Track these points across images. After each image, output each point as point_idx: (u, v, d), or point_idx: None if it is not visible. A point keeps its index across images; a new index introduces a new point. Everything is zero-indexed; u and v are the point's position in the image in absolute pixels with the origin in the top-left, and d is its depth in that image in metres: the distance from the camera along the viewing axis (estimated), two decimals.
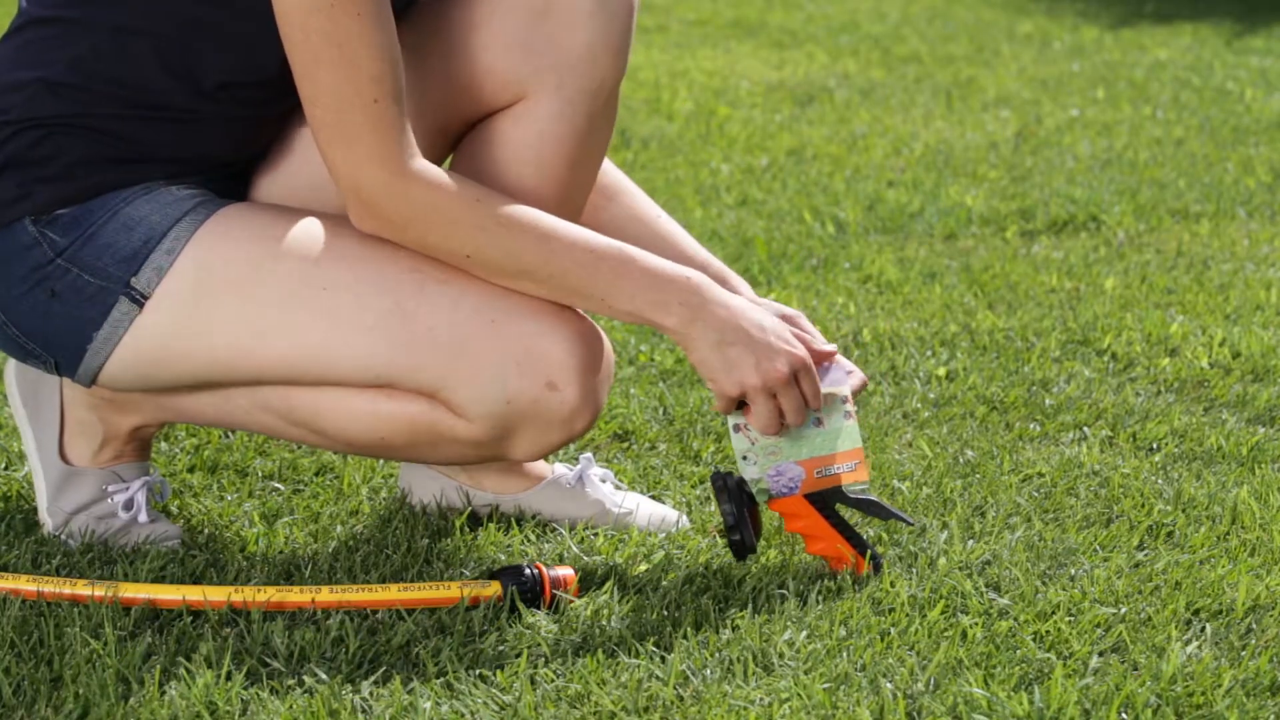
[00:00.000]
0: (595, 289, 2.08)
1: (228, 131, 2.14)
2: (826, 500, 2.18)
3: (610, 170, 2.37)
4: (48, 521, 2.28)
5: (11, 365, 2.32)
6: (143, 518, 2.27)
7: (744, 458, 2.17)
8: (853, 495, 2.19)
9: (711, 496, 2.22)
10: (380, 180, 2.03)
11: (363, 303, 2.08)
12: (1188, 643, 2.02)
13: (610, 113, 2.20)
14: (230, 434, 2.63)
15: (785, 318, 2.20)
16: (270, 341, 2.09)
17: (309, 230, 2.10)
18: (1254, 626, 2.07)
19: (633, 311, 2.09)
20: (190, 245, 2.09)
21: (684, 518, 2.38)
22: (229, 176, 2.19)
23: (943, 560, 2.22)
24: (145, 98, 2.09)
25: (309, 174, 2.19)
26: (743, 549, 2.17)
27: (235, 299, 2.09)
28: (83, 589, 2.04)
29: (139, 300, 2.09)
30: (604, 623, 2.05)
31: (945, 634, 2.02)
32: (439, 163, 2.23)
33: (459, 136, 2.20)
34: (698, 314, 2.09)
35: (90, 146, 2.09)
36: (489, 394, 2.08)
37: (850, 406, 2.20)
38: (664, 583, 2.15)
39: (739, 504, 2.16)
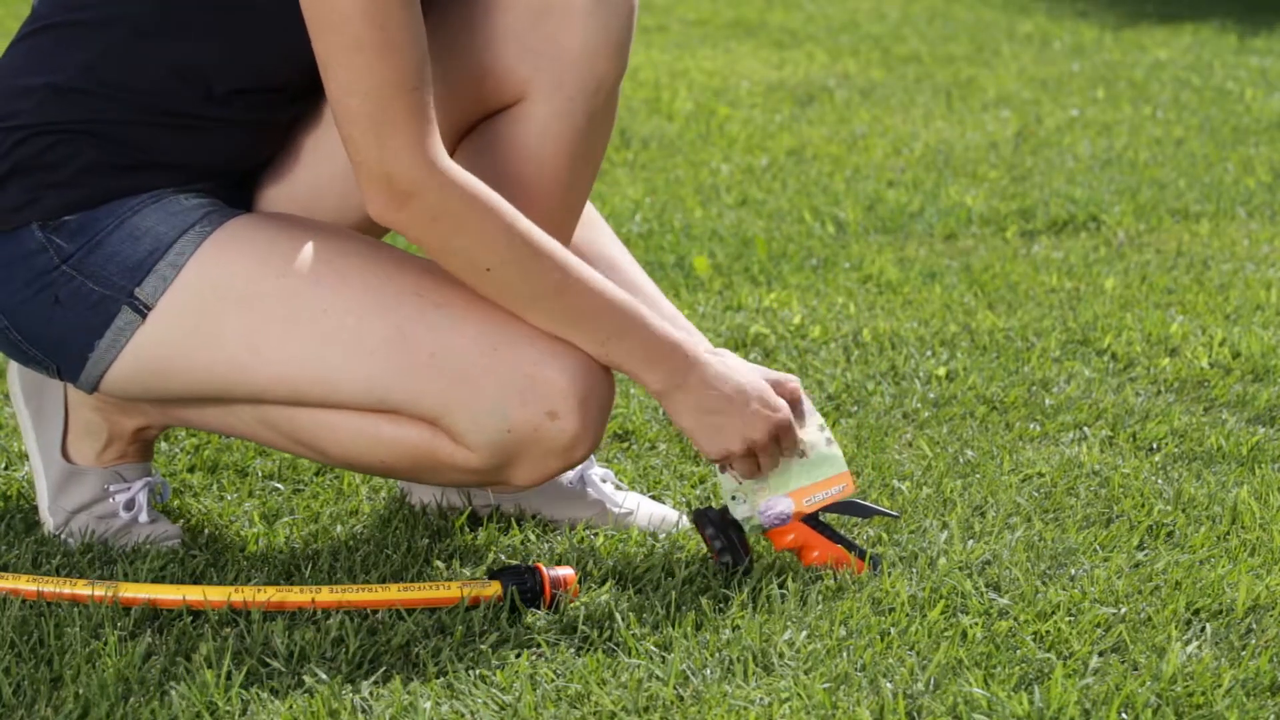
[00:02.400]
0: (599, 333, 2.08)
1: (236, 138, 2.14)
2: (814, 513, 2.21)
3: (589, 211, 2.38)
4: (48, 520, 2.28)
5: (14, 364, 2.31)
6: (143, 518, 2.27)
7: (733, 498, 2.20)
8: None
9: (696, 532, 2.24)
10: (418, 169, 2.00)
11: (364, 327, 2.07)
12: (1188, 643, 2.02)
13: (610, 111, 2.20)
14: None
15: (774, 383, 2.21)
16: (270, 361, 2.08)
17: (314, 249, 2.09)
18: (1254, 626, 2.07)
19: (624, 365, 2.10)
20: (195, 258, 2.08)
21: (684, 518, 2.38)
22: (236, 183, 2.18)
23: (943, 560, 2.22)
24: (155, 103, 2.09)
25: (314, 180, 2.19)
26: (735, 563, 2.18)
27: (237, 316, 2.08)
28: (83, 589, 2.04)
29: (142, 311, 2.09)
30: (604, 623, 2.05)
31: (945, 634, 2.02)
32: None
33: (460, 138, 2.20)
34: (684, 381, 2.11)
35: (99, 152, 2.08)
36: (490, 422, 2.08)
37: (828, 434, 2.22)
38: (664, 583, 2.15)
39: (722, 528, 2.19)
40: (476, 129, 2.19)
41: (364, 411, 2.11)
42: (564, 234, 2.20)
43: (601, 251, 2.33)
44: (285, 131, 2.19)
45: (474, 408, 2.07)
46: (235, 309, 2.08)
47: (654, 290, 2.33)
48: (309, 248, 2.09)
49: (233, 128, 2.12)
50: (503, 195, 2.12)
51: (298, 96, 2.13)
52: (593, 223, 2.36)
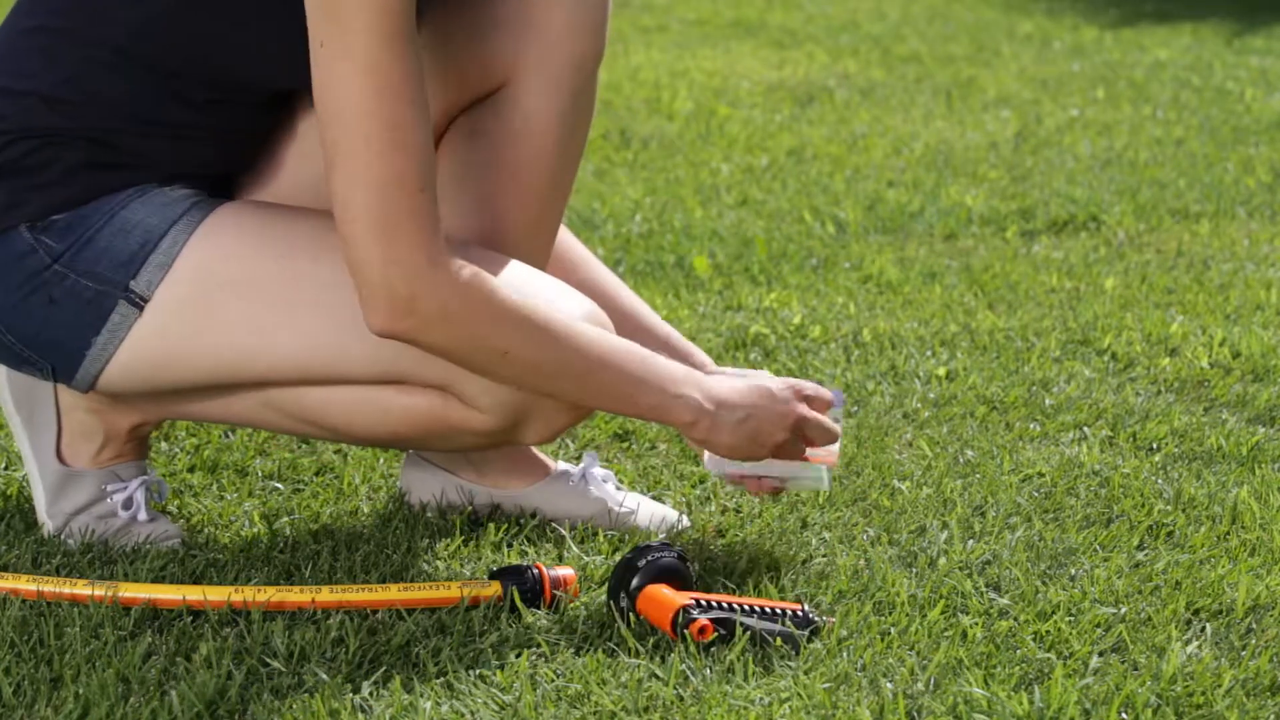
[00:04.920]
0: (622, 389, 2.09)
1: (220, 145, 2.14)
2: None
3: (572, 242, 2.38)
4: (48, 524, 2.27)
5: (3, 370, 2.31)
6: (142, 516, 2.27)
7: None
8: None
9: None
10: (423, 270, 1.96)
11: None
12: (1188, 643, 2.02)
13: (592, 91, 2.21)
14: (230, 433, 2.63)
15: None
16: (275, 342, 2.08)
17: (308, 226, 2.10)
18: (1254, 626, 2.07)
19: (654, 409, 2.11)
20: (189, 246, 2.08)
21: (684, 518, 2.38)
22: (219, 185, 2.19)
23: (943, 560, 2.22)
24: (139, 113, 2.09)
25: (293, 182, 2.19)
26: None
27: (237, 299, 2.08)
28: (83, 589, 2.04)
29: (138, 304, 2.09)
30: (604, 623, 2.05)
31: (945, 634, 2.02)
32: None
33: (445, 125, 2.21)
34: (713, 407, 2.11)
35: (85, 154, 2.09)
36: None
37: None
38: None
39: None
40: (462, 116, 2.20)
41: (373, 384, 2.11)
42: (553, 219, 2.22)
43: (595, 282, 2.35)
44: (265, 138, 2.20)
45: None
46: (235, 294, 2.08)
47: (649, 313, 2.37)
48: (303, 227, 2.10)
49: (216, 135, 2.13)
50: (493, 180, 2.14)
51: (276, 104, 2.13)
52: (585, 259, 2.37)
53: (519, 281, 2.10)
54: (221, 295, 2.09)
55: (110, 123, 2.09)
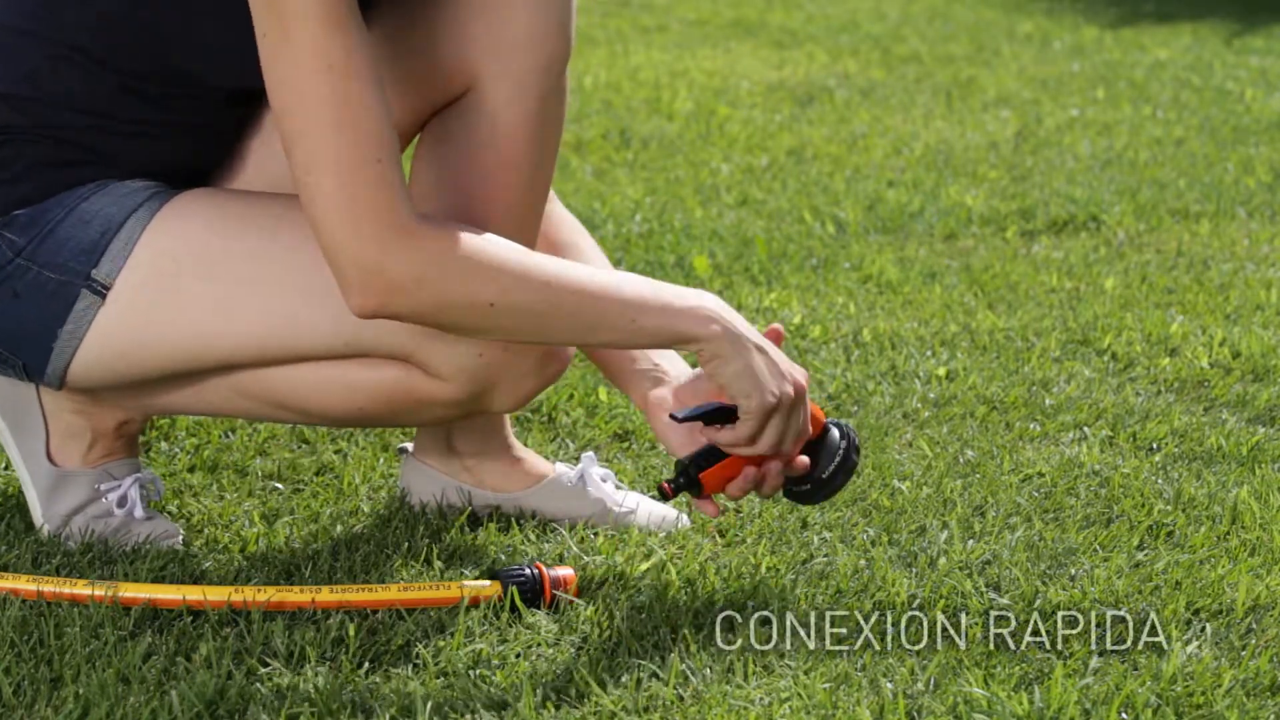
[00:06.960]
0: (623, 316, 2.02)
1: (181, 141, 2.14)
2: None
3: (566, 226, 2.35)
4: (45, 526, 2.27)
5: None
6: (138, 513, 2.27)
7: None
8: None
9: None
10: (389, 239, 1.94)
11: (325, 271, 2.05)
12: (1188, 643, 2.02)
13: (561, 93, 2.20)
14: (230, 433, 2.63)
15: None
16: (237, 320, 2.08)
17: (265, 206, 2.10)
18: (1254, 626, 2.07)
19: (661, 330, 2.03)
20: (148, 233, 2.09)
21: (684, 517, 2.38)
22: (186, 180, 2.19)
23: (943, 560, 2.22)
24: (98, 108, 2.09)
25: (262, 176, 2.19)
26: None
27: (198, 282, 2.09)
28: (83, 589, 2.04)
29: (101, 292, 2.09)
30: (604, 623, 2.05)
31: (945, 634, 2.02)
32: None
33: (413, 132, 2.21)
34: (727, 326, 2.04)
35: (47, 151, 2.09)
36: (460, 350, 2.08)
37: None
38: (664, 582, 2.15)
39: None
40: (430, 125, 2.19)
41: (336, 360, 2.10)
42: (532, 223, 2.21)
43: (569, 240, 2.33)
44: (231, 136, 2.19)
45: (443, 338, 2.07)
46: (195, 276, 2.08)
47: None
48: (260, 206, 2.10)
49: (177, 131, 2.13)
50: (466, 186, 2.13)
51: (234, 100, 2.13)
52: (561, 218, 2.35)
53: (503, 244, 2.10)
54: (180, 277, 2.09)
55: (70, 119, 2.09)
